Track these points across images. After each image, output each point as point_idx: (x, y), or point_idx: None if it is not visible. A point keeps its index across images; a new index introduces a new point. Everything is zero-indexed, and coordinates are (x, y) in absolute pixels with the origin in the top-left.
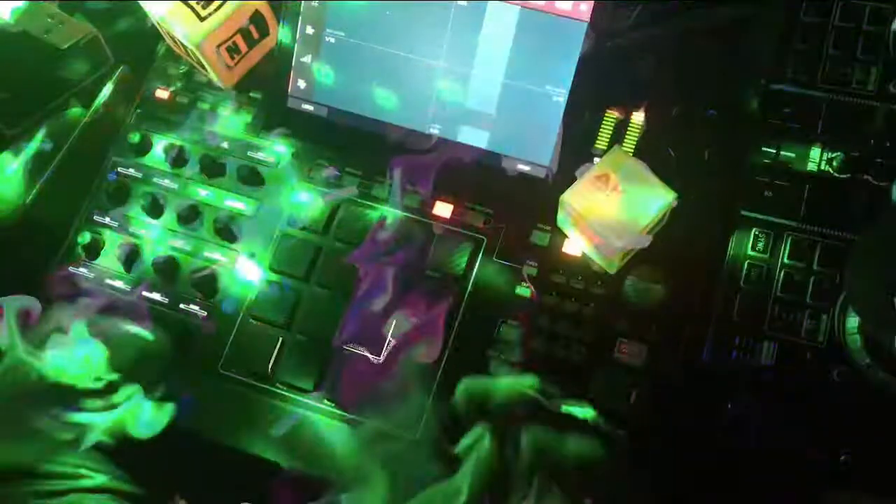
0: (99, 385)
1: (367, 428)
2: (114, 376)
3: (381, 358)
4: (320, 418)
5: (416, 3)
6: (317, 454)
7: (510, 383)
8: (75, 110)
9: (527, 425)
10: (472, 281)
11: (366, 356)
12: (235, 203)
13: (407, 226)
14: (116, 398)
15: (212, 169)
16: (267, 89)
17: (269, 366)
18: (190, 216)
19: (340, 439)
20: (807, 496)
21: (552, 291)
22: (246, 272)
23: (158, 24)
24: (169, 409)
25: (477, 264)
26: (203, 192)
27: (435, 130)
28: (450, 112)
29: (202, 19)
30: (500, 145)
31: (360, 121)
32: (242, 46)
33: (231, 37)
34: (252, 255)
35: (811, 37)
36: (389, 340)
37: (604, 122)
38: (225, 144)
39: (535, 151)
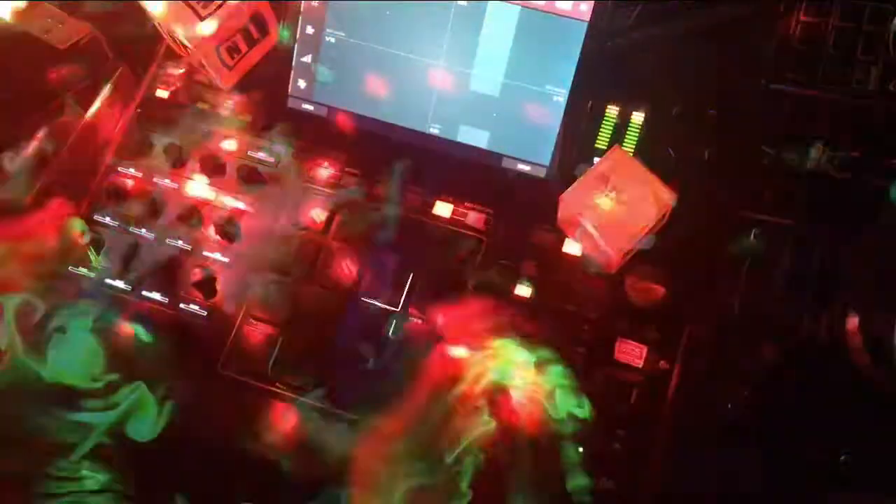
0: (99, 385)
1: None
2: (113, 376)
3: (381, 358)
4: (320, 418)
5: (416, 3)
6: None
7: None
8: (75, 110)
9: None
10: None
11: (366, 356)
12: (235, 203)
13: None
14: (116, 398)
15: (212, 169)
16: (267, 89)
17: (269, 366)
18: (190, 216)
19: (340, 438)
20: (807, 496)
21: (552, 291)
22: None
23: (158, 24)
24: (168, 409)
25: (477, 264)
26: (203, 192)
27: (435, 130)
28: (450, 112)
29: (202, 19)
30: (500, 145)
31: (360, 121)
32: (242, 46)
33: (231, 37)
34: (251, 255)
35: (811, 37)
36: (389, 340)
37: (604, 121)
38: (225, 144)
39: (535, 151)
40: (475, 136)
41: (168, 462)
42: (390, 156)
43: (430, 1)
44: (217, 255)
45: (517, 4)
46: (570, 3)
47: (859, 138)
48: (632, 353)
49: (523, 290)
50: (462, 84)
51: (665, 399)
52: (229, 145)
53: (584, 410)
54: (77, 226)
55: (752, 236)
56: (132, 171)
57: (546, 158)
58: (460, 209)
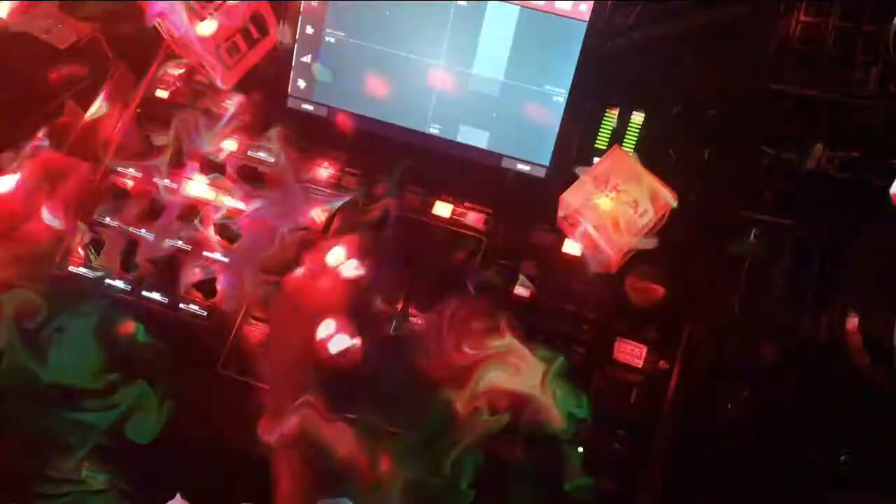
0: (99, 385)
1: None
2: (113, 376)
3: (381, 358)
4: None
5: (416, 3)
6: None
7: None
8: (75, 110)
9: None
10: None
11: (366, 356)
12: (235, 203)
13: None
14: (116, 398)
15: (212, 169)
16: (267, 89)
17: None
18: (190, 216)
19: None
20: (807, 496)
21: (552, 291)
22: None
23: (158, 24)
24: (168, 409)
25: (477, 264)
26: (203, 192)
27: (435, 130)
28: (450, 112)
29: (202, 19)
30: (500, 145)
31: (360, 121)
32: (242, 46)
33: (231, 37)
34: (251, 255)
35: (811, 37)
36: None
37: (603, 122)
38: (225, 144)
39: (535, 151)
40: (475, 136)
41: (168, 462)
42: (390, 156)
43: (430, 1)
44: (217, 255)
45: (517, 4)
46: (569, 3)
47: (859, 138)
48: (632, 353)
49: (523, 290)
50: (462, 84)
51: (665, 399)
52: (229, 145)
53: (583, 410)
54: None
55: (752, 236)
56: (132, 171)
57: (546, 158)
58: (460, 209)
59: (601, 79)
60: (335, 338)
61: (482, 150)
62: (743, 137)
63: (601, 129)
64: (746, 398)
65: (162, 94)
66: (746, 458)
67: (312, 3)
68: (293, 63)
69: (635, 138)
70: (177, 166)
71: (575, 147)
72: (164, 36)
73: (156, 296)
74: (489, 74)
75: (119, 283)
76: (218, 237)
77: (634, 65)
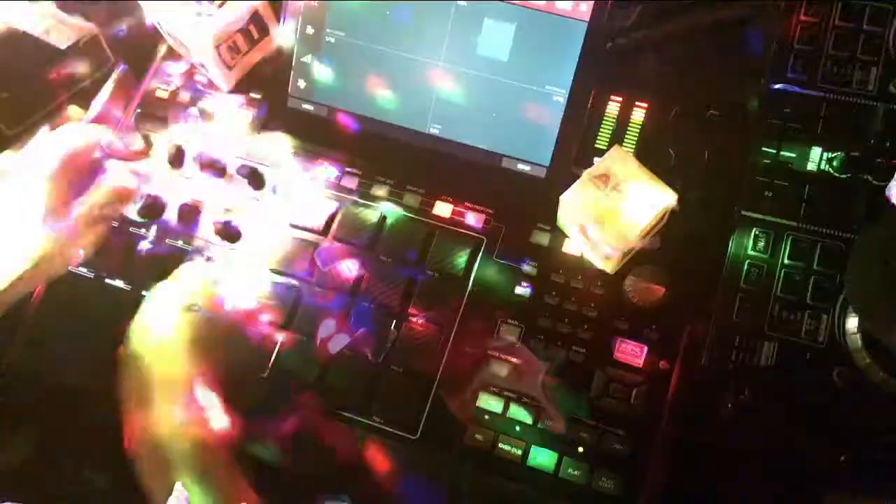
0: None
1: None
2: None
3: (381, 358)
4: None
5: (416, 3)
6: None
7: None
8: (75, 110)
9: None
10: (472, 281)
11: (366, 356)
12: (235, 203)
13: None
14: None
15: (212, 169)
16: (267, 89)
17: (269, 366)
18: (190, 216)
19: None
20: (807, 496)
21: (552, 291)
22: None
23: (158, 24)
24: None
25: (477, 264)
26: (203, 192)
27: (435, 130)
28: (450, 112)
29: (202, 19)
30: (500, 145)
31: (360, 121)
32: (242, 46)
33: (231, 37)
34: (252, 256)
35: (811, 37)
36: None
37: (604, 121)
38: (225, 144)
39: (535, 151)
40: (475, 136)
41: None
42: (390, 156)
43: (430, 1)
44: (217, 256)
45: (517, 4)
46: (570, 3)
47: (859, 138)
48: (632, 353)
49: (523, 290)
50: (462, 84)
51: (665, 399)
52: (229, 145)
53: (583, 411)
54: None
55: (752, 237)
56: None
57: (546, 158)
58: (460, 209)
59: (601, 79)
60: (335, 337)
61: (482, 150)
62: (743, 137)
63: (601, 129)
64: (746, 398)
65: (162, 94)
66: (746, 458)
67: (312, 3)
68: (293, 63)
69: (635, 138)
70: (177, 166)
71: (575, 147)
72: (164, 36)
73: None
74: (489, 75)
75: (119, 284)
76: (218, 237)
77: (634, 65)
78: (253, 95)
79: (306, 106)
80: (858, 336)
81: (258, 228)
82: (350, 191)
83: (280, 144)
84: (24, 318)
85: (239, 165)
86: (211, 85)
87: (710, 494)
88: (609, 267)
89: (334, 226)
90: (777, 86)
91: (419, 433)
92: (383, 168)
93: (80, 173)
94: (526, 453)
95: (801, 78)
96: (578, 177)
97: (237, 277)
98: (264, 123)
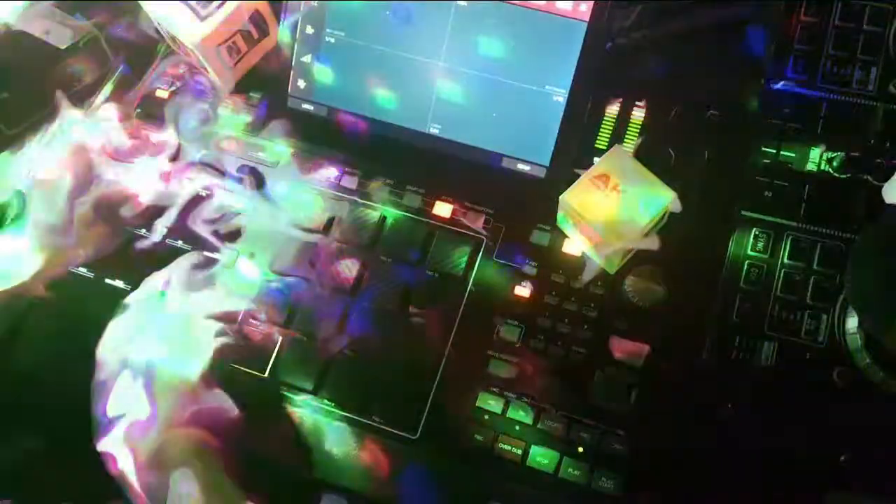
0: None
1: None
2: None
3: (380, 358)
4: (321, 418)
5: (416, 3)
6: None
7: None
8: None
9: None
10: (472, 281)
11: (366, 356)
12: (235, 203)
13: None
14: None
15: (212, 169)
16: (267, 89)
17: (269, 366)
18: (189, 216)
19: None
20: (807, 496)
21: (552, 291)
22: (246, 272)
23: (158, 24)
24: None
25: (477, 264)
26: (202, 192)
27: (435, 130)
28: (450, 112)
29: (202, 19)
30: (500, 145)
31: (361, 121)
32: (242, 46)
33: (231, 37)
34: (252, 256)
35: (811, 37)
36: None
37: (603, 121)
38: (225, 144)
39: (535, 151)
40: (475, 136)
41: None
42: (390, 156)
43: (430, 1)
44: (217, 256)
45: (517, 4)
46: (570, 3)
47: (859, 138)
48: (632, 353)
49: (523, 290)
50: (462, 84)
51: (665, 399)
52: (229, 145)
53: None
54: None
55: (752, 237)
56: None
57: (546, 158)
58: (460, 209)
59: (601, 79)
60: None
61: (482, 150)
62: (743, 137)
63: (601, 129)
64: (746, 398)
65: (162, 94)
66: (746, 458)
67: (312, 2)
68: (293, 63)
69: (635, 138)
70: (176, 166)
71: (575, 147)
72: (164, 36)
73: None
74: (489, 74)
75: (119, 283)
76: (218, 237)
77: (634, 65)
78: (253, 95)
79: (306, 106)
80: (858, 336)
81: (258, 228)
82: (350, 191)
83: (280, 144)
84: (24, 318)
85: (239, 165)
86: (211, 85)
87: (709, 495)
88: (609, 267)
89: (334, 226)
90: (777, 86)
91: (419, 433)
92: (383, 168)
93: (80, 173)
94: (526, 453)
95: (801, 78)
96: (578, 177)
97: (237, 277)
98: (264, 123)
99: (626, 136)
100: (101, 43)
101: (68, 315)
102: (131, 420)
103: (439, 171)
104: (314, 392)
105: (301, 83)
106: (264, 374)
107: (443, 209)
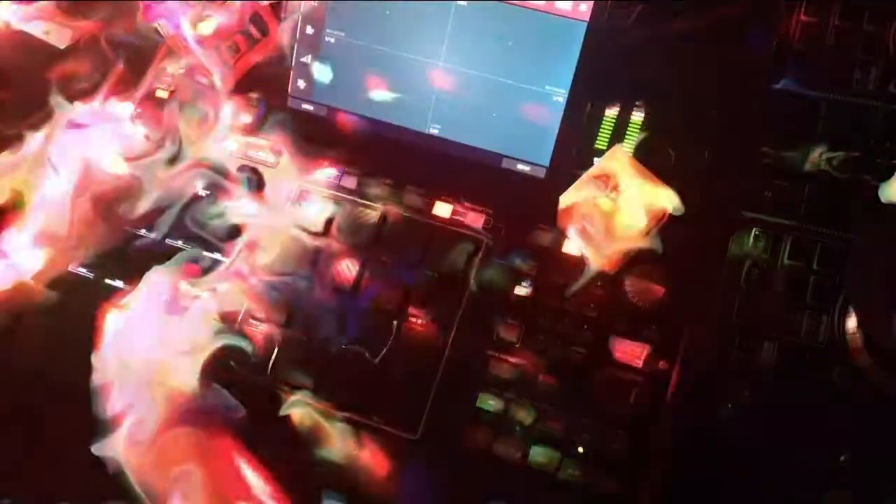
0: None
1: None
2: None
3: (381, 358)
4: (321, 418)
5: (416, 3)
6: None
7: None
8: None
9: None
10: (471, 281)
11: (366, 356)
12: (235, 203)
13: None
14: None
15: (211, 169)
16: (267, 89)
17: (269, 366)
18: (189, 216)
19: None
20: (807, 496)
21: (552, 291)
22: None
23: (158, 24)
24: None
25: (476, 264)
26: (202, 192)
27: (435, 130)
28: (450, 112)
29: (202, 19)
30: (500, 145)
31: (360, 121)
32: (242, 46)
33: (231, 37)
34: (252, 256)
35: (811, 37)
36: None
37: (603, 122)
38: (225, 144)
39: (535, 151)
40: (475, 136)
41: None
42: (390, 156)
43: (430, 1)
44: (217, 256)
45: (517, 4)
46: (569, 3)
47: (859, 138)
48: (632, 353)
49: (523, 290)
50: (462, 84)
51: (665, 399)
52: (229, 145)
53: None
54: None
55: (752, 237)
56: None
57: (546, 159)
58: (460, 209)
59: (601, 79)
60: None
61: (482, 150)
62: (743, 137)
63: (601, 129)
64: (746, 398)
65: (162, 94)
66: (746, 458)
67: (312, 2)
68: (293, 63)
69: (635, 138)
70: (176, 166)
71: (575, 147)
72: (164, 36)
73: None
74: (489, 74)
75: (118, 283)
76: (218, 237)
77: (634, 65)
78: (253, 95)
79: (306, 106)
80: (858, 336)
81: (258, 228)
82: (350, 191)
83: (280, 144)
84: (24, 318)
85: (239, 165)
86: (211, 85)
87: (709, 494)
88: (609, 267)
89: (334, 226)
90: (777, 86)
91: (419, 433)
92: (383, 168)
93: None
94: (526, 453)
95: (801, 78)
96: (578, 177)
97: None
98: (264, 123)
99: (627, 137)
100: (101, 43)
101: (68, 315)
102: (131, 420)
103: (439, 171)
104: (314, 392)
105: (301, 83)
106: (264, 374)
107: (443, 209)
